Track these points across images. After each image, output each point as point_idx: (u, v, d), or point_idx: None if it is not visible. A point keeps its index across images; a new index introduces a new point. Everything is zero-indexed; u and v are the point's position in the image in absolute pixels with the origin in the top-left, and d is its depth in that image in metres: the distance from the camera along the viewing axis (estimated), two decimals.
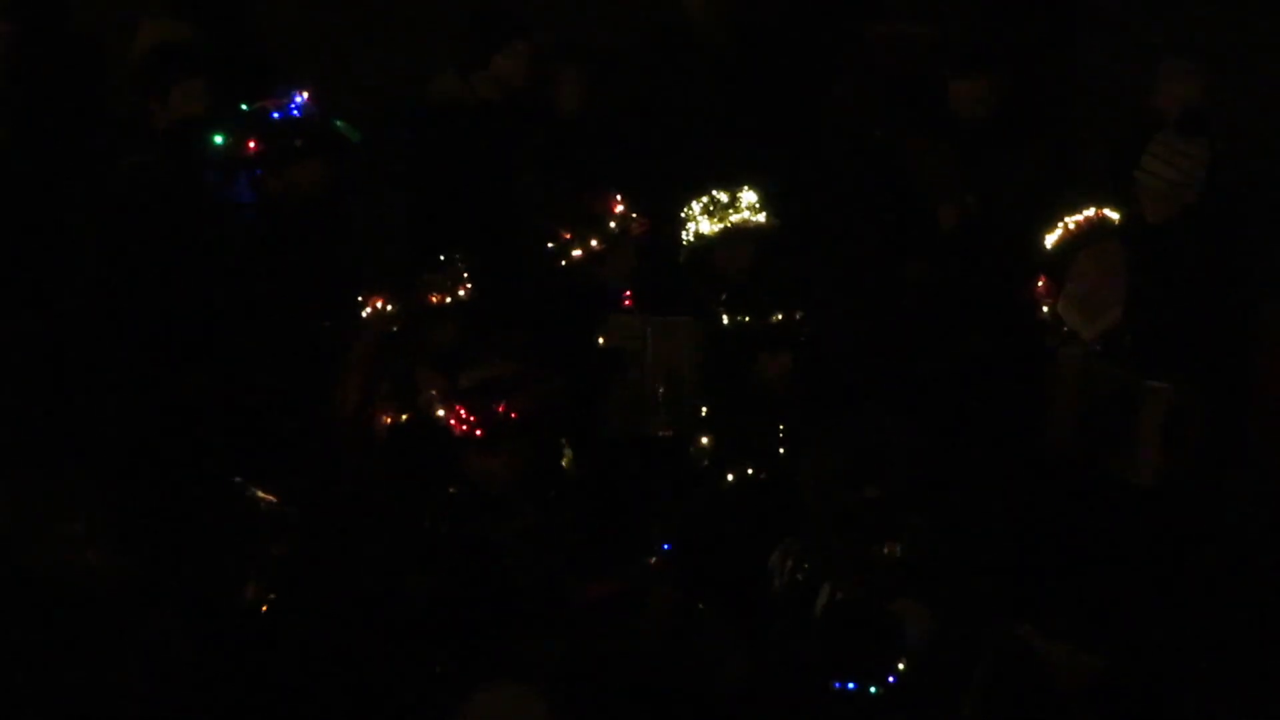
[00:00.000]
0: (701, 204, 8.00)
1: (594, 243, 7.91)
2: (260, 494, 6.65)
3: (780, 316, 7.78)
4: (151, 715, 5.86)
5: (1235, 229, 8.18)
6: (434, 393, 7.22)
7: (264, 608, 6.45)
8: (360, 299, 7.49)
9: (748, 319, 7.75)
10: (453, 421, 6.93)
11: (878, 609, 6.28)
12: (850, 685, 6.13)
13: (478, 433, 6.86)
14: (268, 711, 6.27)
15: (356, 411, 7.38)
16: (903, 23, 9.26)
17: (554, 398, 7.12)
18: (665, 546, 7.27)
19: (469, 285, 7.56)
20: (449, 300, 7.50)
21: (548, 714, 5.92)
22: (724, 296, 7.83)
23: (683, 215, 8.04)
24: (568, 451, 7.42)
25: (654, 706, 6.56)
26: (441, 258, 7.65)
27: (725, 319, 7.76)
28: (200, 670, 6.04)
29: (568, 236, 7.92)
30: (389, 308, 7.46)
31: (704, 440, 7.60)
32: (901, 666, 6.14)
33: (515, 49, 8.75)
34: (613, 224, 7.92)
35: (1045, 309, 7.58)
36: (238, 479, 6.75)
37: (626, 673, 6.67)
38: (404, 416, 7.35)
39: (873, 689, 6.13)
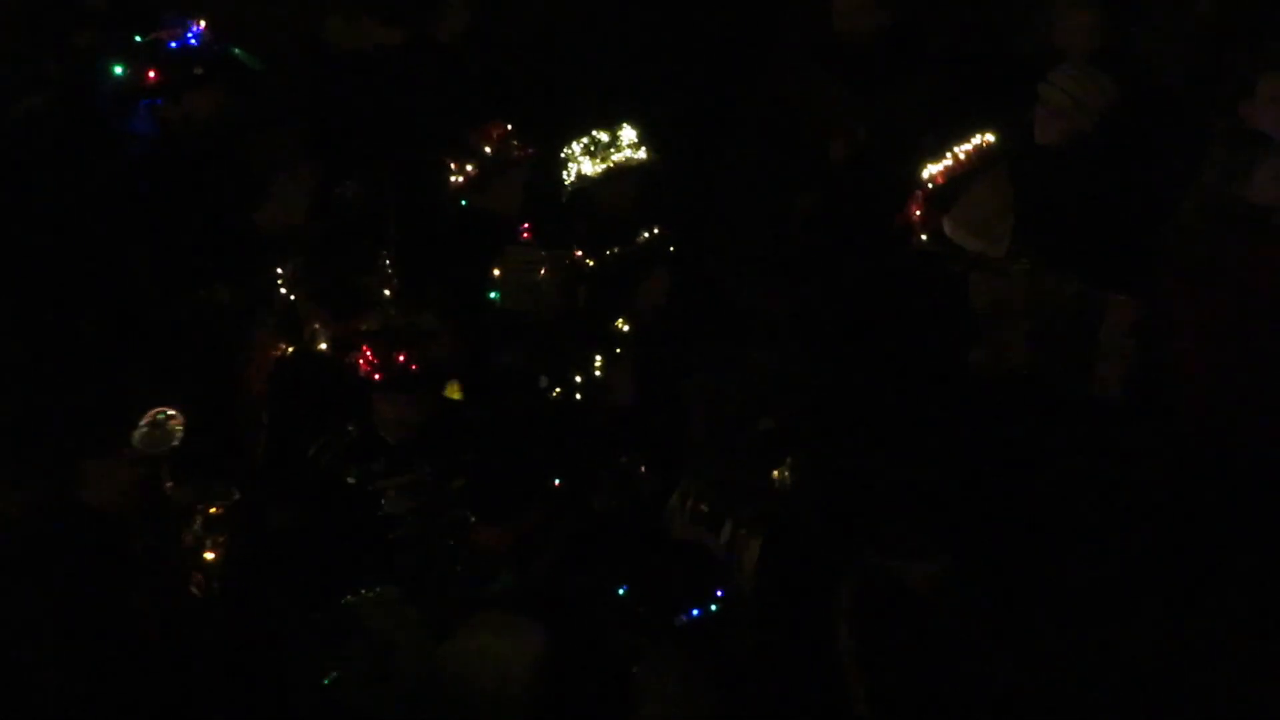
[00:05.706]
0: (582, 144, 7.91)
1: (469, 168, 7.80)
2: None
3: (646, 236, 7.81)
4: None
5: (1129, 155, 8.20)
6: (317, 326, 7.27)
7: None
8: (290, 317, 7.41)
9: (617, 249, 7.75)
10: (359, 361, 7.00)
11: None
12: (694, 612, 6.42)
13: (376, 376, 6.93)
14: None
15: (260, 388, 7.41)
16: None
17: (454, 349, 7.17)
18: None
19: (394, 281, 7.50)
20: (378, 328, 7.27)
21: (544, 643, 6.18)
22: (599, 233, 7.79)
23: (563, 156, 7.95)
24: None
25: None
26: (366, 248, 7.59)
27: (598, 253, 7.75)
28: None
29: (452, 165, 7.84)
30: (318, 327, 7.39)
31: (578, 378, 7.61)
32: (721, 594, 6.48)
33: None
34: (489, 149, 7.81)
35: (924, 237, 7.59)
36: None
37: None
38: (289, 350, 7.38)
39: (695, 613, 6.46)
